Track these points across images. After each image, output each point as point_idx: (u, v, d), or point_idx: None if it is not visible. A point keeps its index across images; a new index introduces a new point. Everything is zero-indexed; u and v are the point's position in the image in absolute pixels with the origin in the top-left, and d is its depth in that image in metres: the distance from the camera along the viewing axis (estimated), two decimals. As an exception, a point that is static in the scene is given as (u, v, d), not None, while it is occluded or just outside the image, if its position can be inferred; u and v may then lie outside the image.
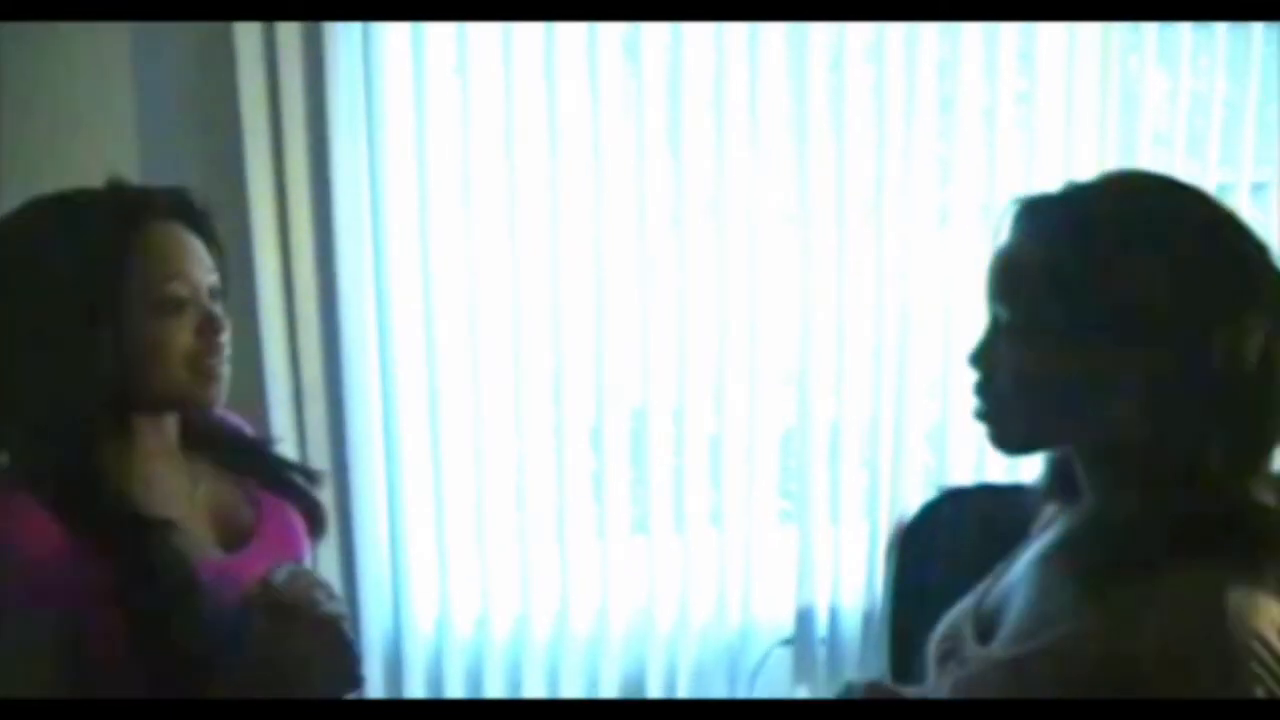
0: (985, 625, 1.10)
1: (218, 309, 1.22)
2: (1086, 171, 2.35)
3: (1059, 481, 1.11)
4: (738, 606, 2.41)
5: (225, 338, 1.22)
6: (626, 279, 2.27)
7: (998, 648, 1.05)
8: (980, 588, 1.17)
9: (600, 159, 2.21)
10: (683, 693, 2.40)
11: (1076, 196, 1.02)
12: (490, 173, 2.20)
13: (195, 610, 1.14)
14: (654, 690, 2.39)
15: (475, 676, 2.34)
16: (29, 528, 1.10)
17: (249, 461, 1.36)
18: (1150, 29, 2.38)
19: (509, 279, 2.22)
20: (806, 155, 2.29)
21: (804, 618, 2.42)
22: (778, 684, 2.44)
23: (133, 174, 1.28)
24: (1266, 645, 0.90)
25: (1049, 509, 1.16)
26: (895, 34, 2.28)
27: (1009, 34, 2.33)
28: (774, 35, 2.25)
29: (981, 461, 2.42)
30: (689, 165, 2.25)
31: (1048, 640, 0.99)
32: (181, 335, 1.18)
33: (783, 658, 2.44)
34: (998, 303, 1.02)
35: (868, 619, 2.43)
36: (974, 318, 2.44)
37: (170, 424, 1.27)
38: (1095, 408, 0.98)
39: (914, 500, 2.39)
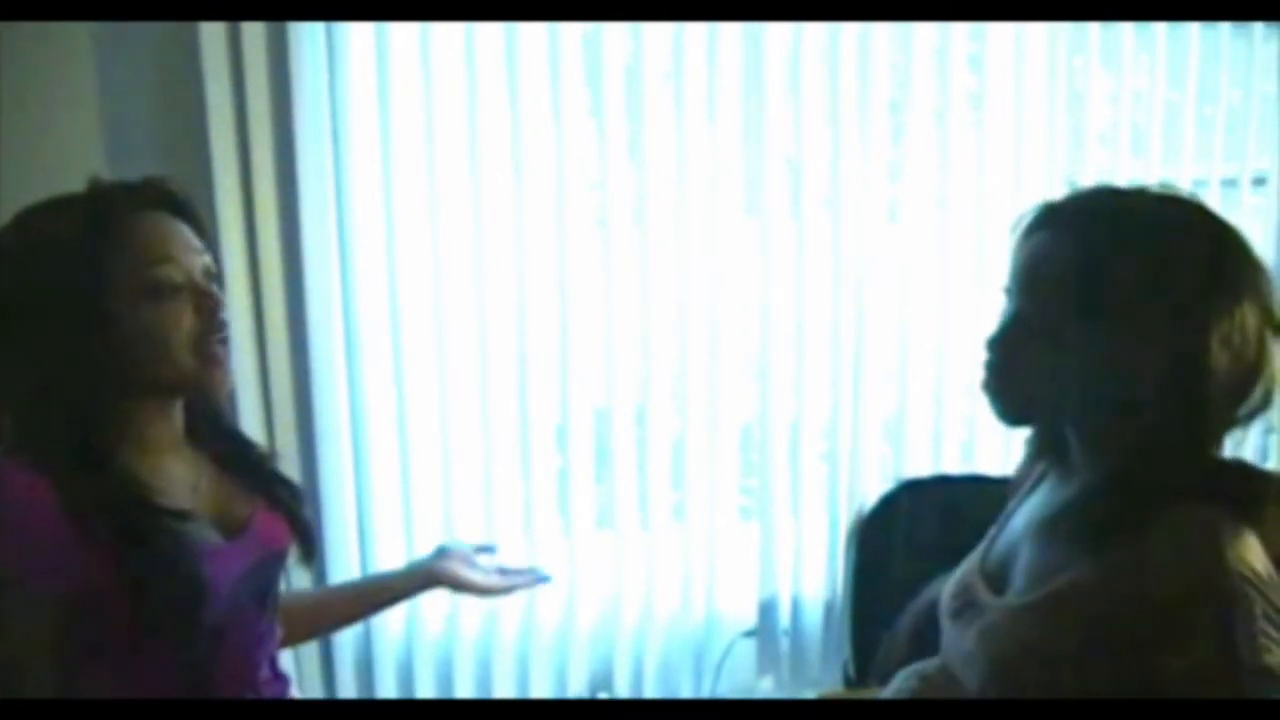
0: (995, 579, 1.23)
1: (214, 289, 1.24)
2: (1035, 167, 2.42)
3: (1047, 444, 1.25)
4: (702, 600, 2.45)
5: (225, 316, 1.24)
6: (589, 280, 2.30)
7: (1012, 597, 1.17)
8: (980, 550, 1.30)
9: (562, 158, 2.24)
10: (649, 685, 2.44)
11: (1103, 206, 1.15)
12: (453, 173, 2.22)
13: (200, 599, 1.18)
14: (621, 682, 2.43)
15: (445, 673, 2.37)
16: (29, 496, 1.12)
17: (245, 463, 1.39)
18: (1094, 30, 2.45)
19: (474, 279, 2.25)
20: (763, 154, 2.33)
21: (766, 609, 2.47)
22: (742, 675, 2.49)
23: (97, 174, 1.29)
24: (1253, 572, 1.02)
25: (1035, 469, 1.31)
26: (849, 35, 2.32)
27: (959, 35, 2.39)
28: (731, 34, 2.29)
29: (938, 453, 2.48)
30: (649, 165, 2.29)
31: (1059, 584, 1.11)
32: (182, 319, 1.21)
33: (746, 649, 2.48)
34: (1024, 295, 1.14)
35: (829, 609, 2.48)
36: (928, 313, 2.49)
37: (177, 414, 1.29)
38: (1100, 390, 1.11)
39: (873, 492, 2.44)
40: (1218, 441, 1.12)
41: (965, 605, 1.24)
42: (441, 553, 1.64)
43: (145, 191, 1.24)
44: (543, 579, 1.74)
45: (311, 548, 1.44)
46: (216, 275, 1.27)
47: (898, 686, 1.33)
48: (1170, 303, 1.07)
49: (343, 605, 1.66)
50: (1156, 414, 1.09)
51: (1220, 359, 1.06)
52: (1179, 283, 1.07)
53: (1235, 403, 1.10)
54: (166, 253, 1.21)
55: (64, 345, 1.16)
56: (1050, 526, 1.19)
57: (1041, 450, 1.28)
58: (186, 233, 1.25)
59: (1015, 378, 1.15)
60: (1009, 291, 1.16)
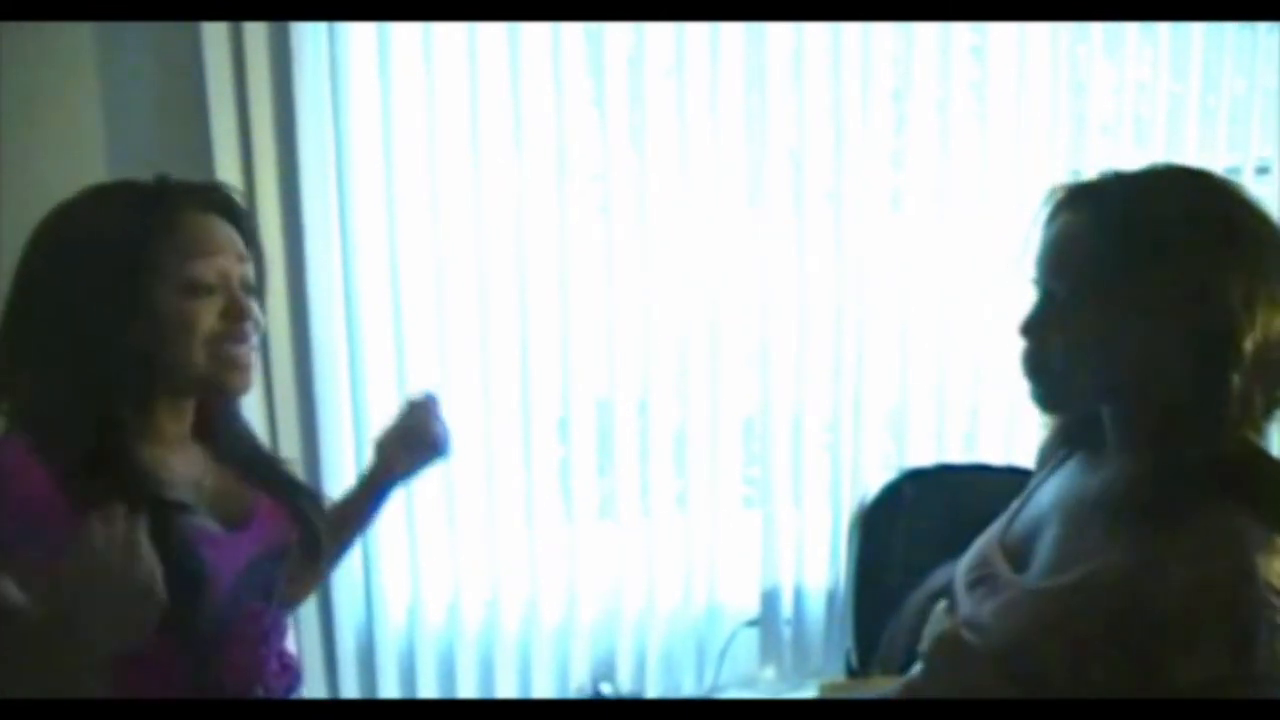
0: (1016, 555, 1.22)
1: (249, 300, 1.25)
2: (1037, 157, 2.42)
3: (1079, 427, 1.24)
4: (704, 589, 2.45)
5: (252, 327, 1.25)
6: (591, 271, 2.30)
7: (1032, 577, 1.17)
8: (1001, 523, 1.30)
9: (564, 152, 2.24)
10: (651, 674, 2.44)
11: (1125, 185, 1.14)
12: (455, 167, 2.22)
13: (199, 588, 1.17)
14: (623, 672, 2.43)
15: (447, 663, 2.37)
16: (27, 480, 1.12)
17: (255, 465, 1.39)
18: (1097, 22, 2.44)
19: (476, 273, 2.25)
20: (765, 144, 2.34)
21: (769, 599, 2.47)
22: (744, 665, 2.49)
23: (99, 173, 1.31)
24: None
25: (1058, 451, 1.29)
26: (851, 25, 2.32)
27: (961, 25, 2.38)
28: (733, 25, 2.29)
29: (940, 443, 2.49)
30: (651, 155, 2.29)
31: (1081, 574, 1.10)
32: (206, 318, 1.22)
33: (749, 639, 2.49)
34: (1053, 278, 1.14)
35: (831, 598, 2.48)
36: (930, 303, 2.49)
37: (188, 413, 1.30)
38: (1136, 372, 1.10)
39: (875, 482, 2.45)
40: (1257, 422, 1.10)
41: (983, 578, 1.23)
42: (380, 452, 1.62)
43: (207, 193, 1.27)
44: (431, 398, 1.66)
45: (316, 547, 1.42)
46: (256, 289, 1.28)
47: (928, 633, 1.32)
48: (1191, 271, 1.06)
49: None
50: (1188, 389, 1.07)
51: (1245, 326, 1.05)
52: (1200, 250, 1.07)
53: (1270, 380, 1.08)
54: (206, 251, 1.22)
55: (92, 327, 1.17)
56: (1079, 509, 1.18)
57: (1071, 434, 1.27)
58: (234, 239, 1.26)
59: (1052, 361, 1.14)
60: (1037, 279, 1.15)
